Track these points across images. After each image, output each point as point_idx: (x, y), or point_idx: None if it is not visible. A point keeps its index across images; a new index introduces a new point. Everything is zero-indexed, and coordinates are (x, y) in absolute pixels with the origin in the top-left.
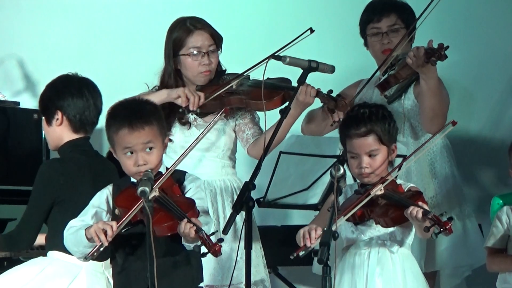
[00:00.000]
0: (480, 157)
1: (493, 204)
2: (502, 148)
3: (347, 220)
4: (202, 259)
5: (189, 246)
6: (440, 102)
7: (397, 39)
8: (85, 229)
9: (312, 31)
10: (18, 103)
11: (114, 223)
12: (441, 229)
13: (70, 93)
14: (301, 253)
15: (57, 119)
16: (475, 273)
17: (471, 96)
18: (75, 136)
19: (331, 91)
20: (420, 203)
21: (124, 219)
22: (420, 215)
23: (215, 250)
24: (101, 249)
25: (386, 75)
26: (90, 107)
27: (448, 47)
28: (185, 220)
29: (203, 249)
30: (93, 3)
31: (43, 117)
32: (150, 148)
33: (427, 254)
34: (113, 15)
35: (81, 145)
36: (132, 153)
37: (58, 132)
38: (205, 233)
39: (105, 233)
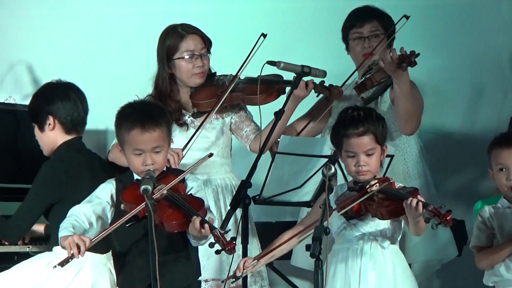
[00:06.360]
0: (459, 153)
1: (476, 209)
2: (477, 144)
3: (343, 214)
4: (209, 254)
5: (196, 242)
6: (413, 105)
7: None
8: (61, 237)
9: (264, 36)
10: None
11: (88, 239)
12: (441, 221)
13: (58, 97)
14: (231, 280)
15: (49, 124)
16: (444, 267)
17: (444, 97)
18: (68, 137)
19: (323, 81)
20: (418, 196)
21: (126, 216)
22: (420, 206)
23: (229, 248)
24: (70, 260)
25: (363, 78)
26: (79, 108)
27: (418, 54)
28: (198, 218)
29: (217, 247)
30: (97, 13)
31: (35, 125)
32: (159, 150)
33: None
34: (116, 23)
35: (75, 144)
36: (141, 153)
37: (52, 136)
38: (219, 231)
39: (78, 248)
